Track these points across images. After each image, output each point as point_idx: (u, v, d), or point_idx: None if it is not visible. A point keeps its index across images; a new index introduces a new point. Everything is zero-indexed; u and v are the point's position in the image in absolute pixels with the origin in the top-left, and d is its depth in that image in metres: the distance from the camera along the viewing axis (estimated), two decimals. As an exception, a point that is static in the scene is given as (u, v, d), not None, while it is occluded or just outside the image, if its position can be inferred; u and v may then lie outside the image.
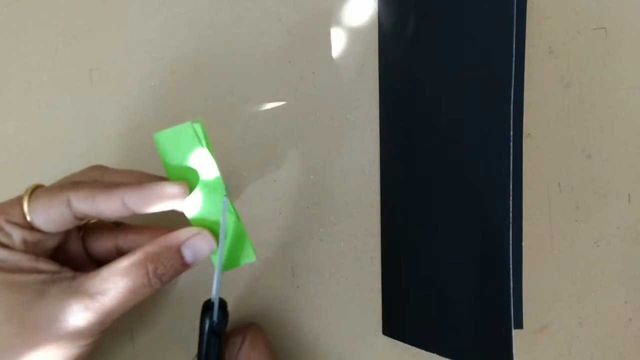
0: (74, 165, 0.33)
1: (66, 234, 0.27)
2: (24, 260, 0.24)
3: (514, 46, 0.28)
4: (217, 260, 0.27)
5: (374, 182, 0.37)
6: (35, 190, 0.25)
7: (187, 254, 0.26)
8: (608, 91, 0.38)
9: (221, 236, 0.27)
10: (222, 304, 0.29)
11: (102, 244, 0.28)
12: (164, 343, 0.35)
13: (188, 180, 0.26)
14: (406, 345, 0.36)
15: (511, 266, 0.28)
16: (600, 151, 0.38)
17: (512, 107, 0.28)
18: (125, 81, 0.35)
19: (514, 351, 0.28)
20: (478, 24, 0.30)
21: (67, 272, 0.25)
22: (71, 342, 0.23)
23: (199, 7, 0.35)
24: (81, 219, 0.25)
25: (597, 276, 0.38)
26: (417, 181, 0.34)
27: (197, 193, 0.26)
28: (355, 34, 0.36)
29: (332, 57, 0.36)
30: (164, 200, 0.25)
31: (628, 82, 0.38)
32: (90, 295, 0.23)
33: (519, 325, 0.36)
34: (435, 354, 0.33)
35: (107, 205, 0.24)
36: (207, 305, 0.29)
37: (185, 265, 0.26)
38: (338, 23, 0.36)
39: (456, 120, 0.32)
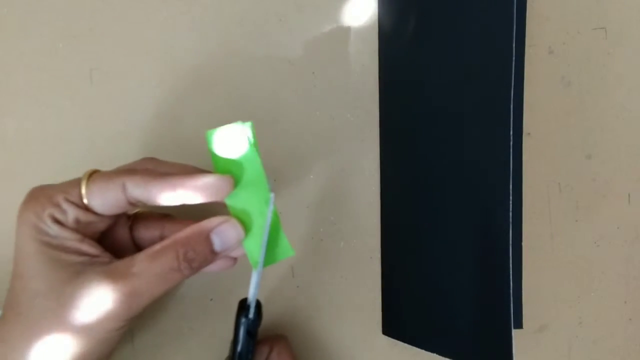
0: (74, 165, 0.33)
1: (116, 219, 0.28)
2: (71, 240, 0.25)
3: (514, 46, 0.28)
4: (254, 259, 0.28)
5: (374, 182, 0.37)
6: (93, 174, 0.26)
7: (216, 241, 0.26)
8: (608, 91, 0.38)
9: (265, 234, 0.27)
10: (257, 304, 0.29)
11: (148, 232, 0.29)
12: (164, 343, 0.35)
13: (234, 175, 0.27)
14: (406, 345, 0.36)
15: (511, 266, 0.28)
16: (600, 151, 0.38)
17: (512, 107, 0.28)
18: (125, 81, 0.35)
19: (514, 351, 0.28)
20: (478, 24, 0.30)
21: (106, 257, 0.26)
22: (99, 325, 0.24)
23: (199, 7, 0.35)
24: (134, 205, 0.26)
25: (597, 276, 0.38)
26: (417, 181, 0.34)
27: (242, 188, 0.27)
28: (355, 34, 0.36)
29: (332, 57, 0.36)
30: (212, 191, 0.26)
31: (628, 82, 0.38)
32: (121, 277, 0.24)
33: (519, 325, 0.36)
34: (435, 354, 0.33)
35: (159, 193, 0.25)
36: (243, 305, 0.29)
37: (213, 253, 0.26)
38: (338, 23, 0.36)
39: (456, 120, 0.32)
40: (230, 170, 0.27)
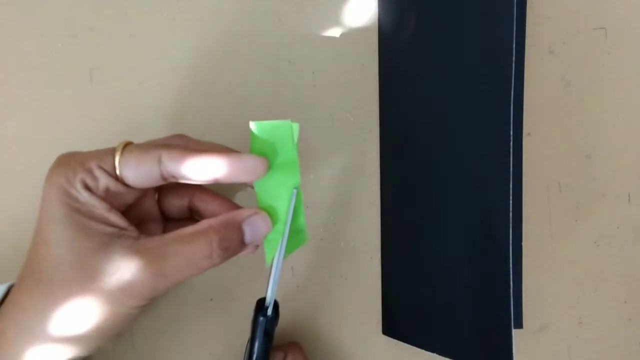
0: (74, 165, 0.33)
1: (144, 191, 0.28)
2: (100, 208, 0.24)
3: (514, 46, 0.28)
4: (270, 252, 0.28)
5: (374, 182, 0.37)
6: (128, 145, 0.25)
7: (247, 231, 0.26)
8: (608, 91, 0.38)
9: (286, 230, 0.27)
10: (275, 304, 0.29)
11: (178, 200, 0.29)
12: (164, 343, 0.35)
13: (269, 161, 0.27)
14: (406, 345, 0.36)
15: (511, 266, 0.28)
16: (600, 151, 0.38)
17: (512, 107, 0.28)
18: (125, 81, 0.35)
19: (514, 351, 0.28)
20: (478, 24, 0.30)
21: (133, 232, 0.25)
22: (121, 300, 0.24)
23: (199, 7, 0.35)
24: (165, 180, 0.26)
25: (597, 276, 0.38)
26: (417, 181, 0.34)
27: (274, 180, 0.27)
28: (355, 34, 0.36)
29: (332, 57, 0.36)
30: (247, 171, 0.25)
31: (628, 82, 0.38)
32: (151, 256, 0.24)
33: (519, 325, 0.36)
34: (435, 354, 0.33)
35: (195, 169, 0.25)
36: (261, 304, 0.29)
37: (242, 244, 0.26)
38: (338, 23, 0.36)
39: (456, 120, 0.32)
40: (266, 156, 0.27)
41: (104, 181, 0.24)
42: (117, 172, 0.25)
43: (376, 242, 0.37)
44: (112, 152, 0.25)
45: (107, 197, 0.25)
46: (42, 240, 0.24)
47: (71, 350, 0.24)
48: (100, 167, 0.24)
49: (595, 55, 0.38)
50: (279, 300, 0.35)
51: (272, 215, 0.28)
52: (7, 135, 0.34)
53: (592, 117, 0.38)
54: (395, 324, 0.36)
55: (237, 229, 0.26)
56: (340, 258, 0.37)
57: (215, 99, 0.35)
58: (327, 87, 0.36)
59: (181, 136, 0.28)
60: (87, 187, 0.24)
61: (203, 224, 0.25)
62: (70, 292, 0.23)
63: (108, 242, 0.24)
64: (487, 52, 0.30)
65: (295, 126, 0.27)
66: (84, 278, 0.23)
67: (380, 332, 0.37)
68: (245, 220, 0.26)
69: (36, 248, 0.24)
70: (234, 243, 0.26)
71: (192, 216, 0.31)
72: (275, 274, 0.28)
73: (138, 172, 0.25)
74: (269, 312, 0.28)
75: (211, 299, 0.35)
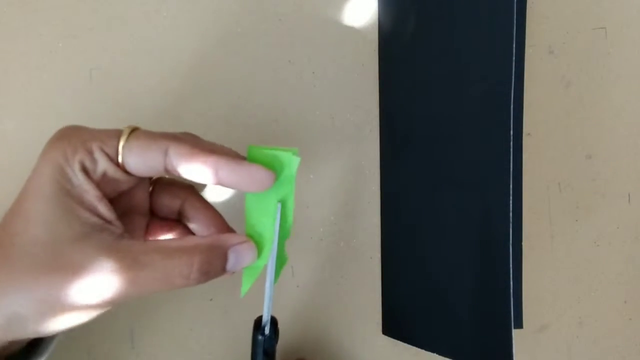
0: (74, 165, 0.33)
1: (139, 181, 0.26)
2: (91, 195, 0.23)
3: (514, 46, 0.28)
4: (247, 285, 0.27)
5: (374, 182, 0.37)
6: (135, 131, 0.24)
7: (231, 258, 0.25)
8: (608, 91, 0.38)
9: (274, 245, 0.27)
10: (274, 321, 0.28)
11: (170, 200, 0.28)
12: (164, 343, 0.35)
13: (266, 196, 0.26)
14: (406, 345, 0.36)
15: (511, 266, 0.28)
16: (600, 151, 0.38)
17: (512, 107, 0.28)
18: (125, 81, 0.35)
19: (514, 351, 0.28)
20: (478, 24, 0.30)
21: (118, 227, 0.24)
22: (85, 298, 0.22)
23: (199, 7, 0.35)
24: (169, 172, 0.25)
25: (597, 276, 0.38)
26: (417, 181, 0.34)
27: (265, 206, 0.26)
28: (355, 34, 0.36)
29: (332, 57, 0.36)
30: (254, 181, 0.25)
31: (628, 82, 0.38)
32: (129, 261, 0.23)
33: (519, 325, 0.36)
34: (435, 354, 0.33)
35: (200, 167, 0.24)
36: (259, 323, 0.28)
37: (223, 270, 0.25)
38: (338, 23, 0.36)
39: (456, 120, 0.32)
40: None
41: (102, 165, 0.23)
42: (120, 158, 0.24)
43: (376, 242, 0.37)
44: (117, 135, 0.24)
45: (102, 182, 0.24)
46: (22, 214, 0.23)
47: (16, 332, 0.23)
48: (102, 150, 0.23)
49: (595, 55, 0.38)
50: (279, 300, 0.35)
51: (257, 242, 0.27)
52: (7, 135, 0.34)
53: (592, 117, 0.38)
54: (395, 324, 0.36)
55: (222, 254, 0.25)
56: (340, 258, 0.37)
57: (216, 99, 0.35)
58: (327, 87, 0.36)
59: (192, 134, 0.27)
60: (85, 169, 0.23)
61: (189, 241, 0.24)
62: (36, 276, 0.22)
63: (89, 234, 0.23)
64: (487, 52, 0.30)
65: (297, 161, 0.26)
66: (54, 265, 0.22)
67: (380, 332, 0.37)
68: (232, 247, 0.25)
69: (12, 221, 0.23)
70: (215, 268, 0.25)
71: (179, 218, 0.29)
72: (269, 293, 0.27)
73: (141, 160, 0.24)
74: (267, 331, 0.28)
75: (211, 299, 0.35)
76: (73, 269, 0.22)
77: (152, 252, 0.23)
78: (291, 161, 0.26)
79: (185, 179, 0.25)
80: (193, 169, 0.24)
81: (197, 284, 0.24)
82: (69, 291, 0.22)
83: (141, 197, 0.28)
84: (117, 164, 0.24)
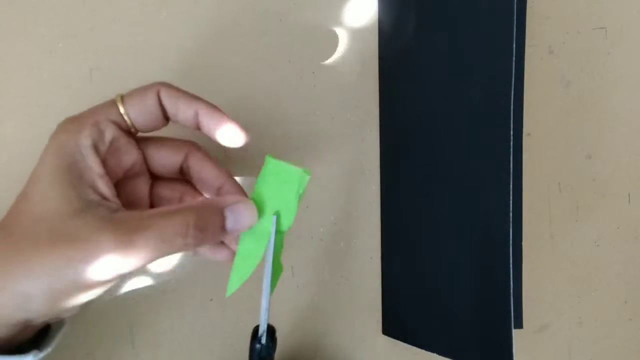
0: (74, 165, 0.33)
1: (139, 168, 0.27)
2: (93, 171, 0.24)
3: (514, 46, 0.28)
4: (234, 287, 0.27)
5: (374, 182, 0.37)
6: (124, 94, 0.26)
7: (230, 218, 0.25)
8: (608, 91, 0.38)
9: (268, 257, 0.27)
10: (271, 330, 0.28)
11: (172, 155, 0.28)
12: (164, 343, 0.35)
13: (268, 202, 0.27)
14: (406, 345, 0.36)
15: (511, 266, 0.28)
16: (600, 151, 0.38)
17: (512, 107, 0.28)
18: (125, 81, 0.35)
19: (514, 351, 0.28)
20: (478, 24, 0.30)
21: (114, 204, 0.24)
22: (86, 274, 0.23)
23: (199, 7, 0.35)
24: (166, 119, 0.26)
25: (597, 276, 0.38)
26: (417, 181, 0.34)
27: (267, 213, 0.27)
28: (355, 34, 0.36)
29: (332, 57, 0.36)
30: (226, 131, 0.26)
31: (628, 82, 0.38)
32: (124, 228, 0.23)
33: (519, 325, 0.36)
34: (435, 354, 0.33)
35: (185, 108, 0.25)
36: (256, 332, 0.28)
37: (224, 230, 0.25)
38: (338, 23, 0.36)
39: (456, 120, 0.32)
40: (266, 197, 0.27)
41: (110, 133, 0.25)
42: (125, 117, 0.25)
43: (376, 242, 0.37)
44: (111, 102, 0.25)
45: (109, 154, 0.25)
46: (26, 196, 0.24)
47: (26, 311, 0.23)
48: (108, 119, 0.25)
49: (595, 55, 0.38)
50: (279, 300, 0.35)
51: (251, 253, 0.27)
52: (7, 135, 0.34)
53: (592, 117, 0.38)
54: (395, 324, 0.36)
55: (218, 212, 0.25)
56: (340, 258, 0.37)
57: (215, 99, 0.35)
58: (327, 87, 0.36)
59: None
60: (93, 144, 0.24)
61: (184, 203, 0.25)
62: (38, 252, 0.22)
63: (85, 209, 0.23)
64: (487, 52, 0.30)
65: (306, 177, 0.27)
66: (54, 239, 0.22)
67: (380, 332, 0.37)
68: (228, 207, 0.25)
69: (18, 203, 0.24)
70: (212, 226, 0.25)
71: (184, 177, 0.29)
72: (265, 301, 0.27)
73: (144, 110, 0.25)
74: (263, 340, 0.28)
75: (211, 299, 0.35)
76: (72, 241, 0.22)
77: (147, 217, 0.24)
78: (302, 177, 0.27)
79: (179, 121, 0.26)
80: (177, 110, 0.25)
81: (197, 245, 0.24)
82: (71, 264, 0.22)
83: (141, 188, 0.28)
84: (123, 128, 0.25)
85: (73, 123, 0.25)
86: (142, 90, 0.26)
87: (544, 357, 0.38)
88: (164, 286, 0.35)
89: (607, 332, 0.39)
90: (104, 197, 0.24)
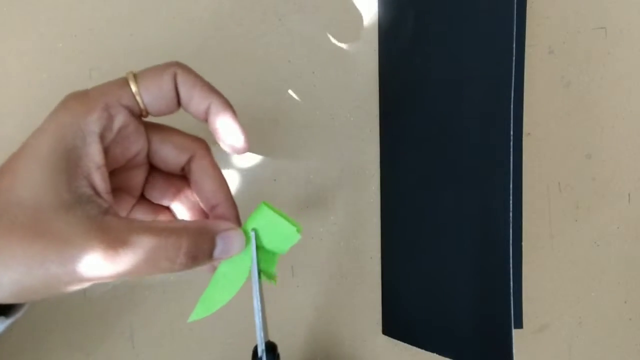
0: (74, 165, 0.33)
1: (139, 160, 0.25)
2: (90, 159, 0.22)
3: (514, 46, 0.28)
4: (198, 315, 0.26)
5: (374, 182, 0.37)
6: (137, 73, 0.24)
7: (219, 245, 0.24)
8: (608, 91, 0.38)
9: (254, 273, 0.26)
10: (271, 347, 0.27)
11: (176, 152, 0.26)
12: (164, 343, 0.35)
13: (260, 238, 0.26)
14: (406, 345, 0.36)
15: (511, 266, 0.28)
16: (600, 151, 0.38)
17: (512, 107, 0.28)
18: (125, 81, 0.35)
19: (514, 351, 0.28)
20: (478, 24, 0.30)
21: (105, 203, 0.22)
22: (60, 273, 0.21)
23: (199, 7, 0.35)
24: (178, 106, 0.24)
25: (597, 276, 0.38)
26: (417, 181, 0.34)
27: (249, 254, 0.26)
28: (355, 34, 0.36)
29: (332, 57, 0.36)
30: (230, 137, 0.25)
31: (628, 82, 0.38)
32: (111, 238, 0.21)
33: (519, 325, 0.36)
34: (435, 354, 0.33)
35: (199, 100, 0.24)
36: (256, 352, 0.27)
37: (210, 257, 0.24)
38: (338, 23, 0.36)
39: (456, 120, 0.32)
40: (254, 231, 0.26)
41: (120, 120, 0.23)
42: (138, 99, 0.23)
43: (376, 242, 0.37)
44: (124, 82, 0.23)
45: (115, 141, 0.23)
46: (11, 171, 0.21)
47: None
48: (119, 103, 0.23)
49: (595, 55, 0.38)
50: (279, 300, 0.35)
51: (229, 282, 0.26)
52: (7, 135, 0.34)
53: (592, 117, 0.38)
54: (395, 324, 0.36)
55: (210, 239, 0.24)
56: (340, 258, 0.37)
57: (215, 99, 0.35)
58: (327, 87, 0.36)
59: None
60: (99, 131, 0.22)
61: (177, 223, 0.23)
62: (12, 241, 0.20)
63: (74, 204, 0.21)
64: (487, 52, 0.30)
65: (297, 237, 0.26)
66: (35, 234, 0.20)
67: (380, 332, 0.37)
68: (221, 233, 0.24)
69: (1, 178, 0.22)
70: (202, 254, 0.23)
71: (183, 175, 0.27)
72: (258, 320, 0.26)
73: (159, 94, 0.23)
74: (264, 359, 0.27)
75: (211, 299, 0.35)
76: (52, 239, 0.20)
77: (137, 231, 0.22)
78: (292, 236, 0.26)
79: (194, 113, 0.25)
80: (190, 98, 0.24)
81: (182, 270, 0.23)
82: (45, 264, 0.20)
83: (136, 178, 0.27)
84: (134, 113, 0.23)
85: (80, 102, 0.22)
86: (157, 70, 0.23)
87: (544, 357, 0.38)
88: (164, 286, 0.35)
89: (607, 332, 0.39)
90: (97, 192, 0.22)
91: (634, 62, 0.38)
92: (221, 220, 0.26)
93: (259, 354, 0.27)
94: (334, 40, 0.36)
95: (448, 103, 0.32)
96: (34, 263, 0.20)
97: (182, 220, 0.26)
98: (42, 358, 0.34)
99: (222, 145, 0.26)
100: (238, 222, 0.27)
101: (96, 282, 0.22)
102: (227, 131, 0.25)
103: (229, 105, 0.25)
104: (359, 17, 0.36)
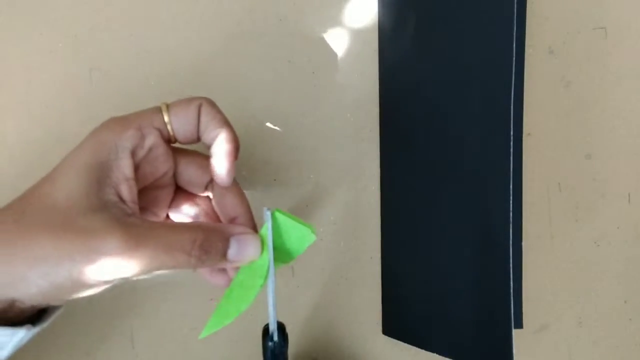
0: (74, 165, 0.33)
1: (166, 181, 0.28)
2: (121, 171, 0.25)
3: (514, 46, 0.28)
4: (213, 328, 0.27)
5: (374, 182, 0.37)
6: (169, 103, 0.26)
7: (233, 246, 0.26)
8: (608, 91, 0.38)
9: (270, 254, 0.27)
10: (281, 326, 0.29)
11: (199, 172, 0.29)
12: (164, 343, 0.35)
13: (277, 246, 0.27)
14: (406, 345, 0.36)
15: (511, 266, 0.28)
16: (600, 151, 0.38)
17: (512, 107, 0.28)
18: (125, 81, 0.35)
19: (514, 351, 0.28)
20: (478, 24, 0.30)
21: (130, 208, 0.25)
22: (85, 270, 0.23)
23: (199, 7, 0.35)
24: (199, 135, 0.27)
25: (597, 276, 0.38)
26: (417, 181, 0.34)
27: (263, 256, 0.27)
28: (355, 34, 0.36)
29: (332, 57, 0.36)
30: (218, 170, 0.27)
31: (628, 82, 0.38)
32: (132, 233, 0.23)
33: (519, 325, 0.36)
34: (435, 354, 0.33)
35: (211, 131, 0.26)
36: (267, 331, 0.28)
37: (224, 258, 0.26)
38: (338, 23, 0.36)
39: (456, 120, 0.32)
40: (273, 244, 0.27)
41: (151, 140, 0.25)
42: (168, 126, 0.26)
43: (376, 242, 0.37)
44: (157, 110, 0.26)
45: (146, 159, 0.26)
46: (52, 179, 0.24)
47: (19, 291, 0.23)
48: (151, 125, 0.25)
49: (595, 55, 0.38)
50: (279, 300, 0.35)
51: (245, 291, 0.27)
52: (7, 135, 0.34)
53: (592, 117, 0.38)
54: (395, 324, 0.36)
55: (224, 238, 0.26)
56: (340, 258, 0.37)
57: (215, 99, 0.35)
58: (327, 87, 0.36)
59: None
60: (131, 147, 0.25)
61: (195, 222, 0.26)
62: (44, 238, 0.22)
63: (102, 208, 0.24)
64: (487, 52, 0.30)
65: (312, 238, 0.27)
66: (64, 231, 0.23)
67: (380, 332, 0.37)
68: (235, 235, 0.26)
69: (43, 183, 0.24)
70: (215, 250, 0.25)
71: (206, 196, 0.30)
72: (272, 299, 0.27)
73: (186, 122, 0.26)
74: (275, 337, 0.28)
75: (211, 299, 0.35)
76: (79, 233, 0.23)
77: (156, 227, 0.24)
78: (308, 236, 0.27)
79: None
80: (208, 129, 0.26)
81: (198, 265, 0.25)
82: (73, 256, 0.22)
83: (162, 200, 0.29)
84: (164, 137, 0.26)
85: (118, 123, 0.25)
86: (187, 101, 0.26)
87: (544, 357, 0.38)
88: (164, 287, 0.35)
89: (607, 332, 0.39)
90: (122, 200, 0.25)
91: (634, 62, 0.38)
92: (237, 225, 0.27)
93: (270, 330, 0.28)
94: (334, 41, 0.36)
95: (448, 103, 0.32)
96: (63, 255, 0.22)
97: (200, 221, 0.29)
98: (42, 358, 0.34)
99: (212, 172, 0.27)
100: (255, 232, 0.28)
101: (118, 276, 0.23)
102: (219, 162, 0.27)
103: (234, 140, 0.27)
104: (359, 17, 0.36)
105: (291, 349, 0.37)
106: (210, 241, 0.25)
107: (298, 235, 0.27)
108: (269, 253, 0.27)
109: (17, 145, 0.34)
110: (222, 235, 0.26)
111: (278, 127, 0.36)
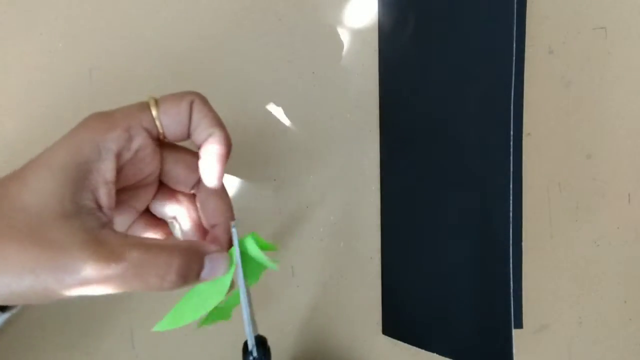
0: (74, 165, 0.33)
1: (154, 175, 0.26)
2: (103, 176, 0.23)
3: (514, 46, 0.28)
4: (207, 321, 0.27)
5: (374, 182, 0.37)
6: (158, 98, 0.24)
7: (207, 266, 0.25)
8: (608, 91, 0.38)
9: (238, 268, 0.26)
10: (261, 340, 0.28)
11: (187, 171, 0.27)
12: (164, 343, 0.35)
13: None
14: (406, 345, 0.36)
15: (511, 266, 0.28)
16: (600, 151, 0.38)
17: (512, 107, 0.28)
18: (125, 81, 0.35)
19: (514, 351, 0.28)
20: (478, 24, 0.30)
21: (105, 217, 0.23)
22: (49, 281, 0.21)
23: (199, 7, 0.35)
24: (189, 133, 0.25)
25: (597, 276, 0.38)
26: (417, 181, 0.34)
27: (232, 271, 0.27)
28: (355, 34, 0.36)
29: (332, 57, 0.36)
30: (206, 172, 0.25)
31: (628, 82, 0.38)
32: (105, 251, 0.21)
33: (519, 325, 0.36)
34: (435, 354, 0.33)
35: (202, 130, 0.24)
36: (246, 347, 0.28)
37: (197, 278, 0.25)
38: (338, 23, 0.36)
39: (456, 120, 0.32)
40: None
41: (138, 141, 0.24)
42: (157, 123, 0.24)
43: (376, 242, 0.37)
44: (145, 106, 0.24)
45: (131, 162, 0.24)
46: (22, 178, 0.22)
47: None
48: (140, 125, 0.23)
49: (595, 55, 0.38)
50: (279, 300, 0.35)
51: (202, 301, 0.26)
52: (7, 135, 0.34)
53: (592, 117, 0.38)
54: (395, 324, 0.36)
55: (200, 259, 0.24)
56: (340, 258, 0.37)
57: (215, 99, 0.35)
58: (327, 87, 0.36)
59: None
60: (116, 150, 0.23)
61: (169, 241, 0.24)
62: (8, 246, 0.21)
63: (75, 215, 0.22)
64: (487, 52, 0.30)
65: (274, 267, 0.27)
66: (31, 241, 0.21)
67: (380, 332, 0.37)
68: (210, 255, 0.25)
69: (11, 183, 0.22)
70: (192, 273, 0.24)
71: (191, 193, 0.28)
72: (247, 316, 0.27)
73: (176, 119, 0.24)
74: (255, 353, 0.27)
75: (211, 299, 0.35)
76: (47, 247, 0.21)
77: (130, 246, 0.22)
78: (270, 265, 0.27)
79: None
80: (200, 127, 0.24)
81: (169, 289, 0.23)
82: (36, 270, 0.21)
83: (145, 196, 0.27)
84: (152, 136, 0.24)
85: (102, 121, 0.23)
86: (177, 97, 0.24)
87: (544, 357, 0.38)
88: (164, 286, 0.35)
89: (607, 332, 0.39)
90: (99, 206, 0.23)
91: (634, 62, 0.38)
92: (209, 243, 0.26)
93: (249, 347, 0.27)
94: (334, 41, 0.36)
95: (448, 103, 0.32)
96: (25, 269, 0.21)
97: (173, 238, 0.27)
98: (42, 358, 0.34)
99: (199, 173, 0.26)
100: (229, 245, 0.27)
101: (85, 294, 0.22)
102: (209, 164, 0.25)
103: (226, 141, 0.25)
104: (359, 17, 0.36)
105: (291, 349, 0.37)
106: (187, 264, 0.23)
107: (262, 265, 0.27)
108: (238, 272, 0.26)
109: (17, 145, 0.34)
110: (198, 256, 0.24)
111: (278, 127, 0.36)
